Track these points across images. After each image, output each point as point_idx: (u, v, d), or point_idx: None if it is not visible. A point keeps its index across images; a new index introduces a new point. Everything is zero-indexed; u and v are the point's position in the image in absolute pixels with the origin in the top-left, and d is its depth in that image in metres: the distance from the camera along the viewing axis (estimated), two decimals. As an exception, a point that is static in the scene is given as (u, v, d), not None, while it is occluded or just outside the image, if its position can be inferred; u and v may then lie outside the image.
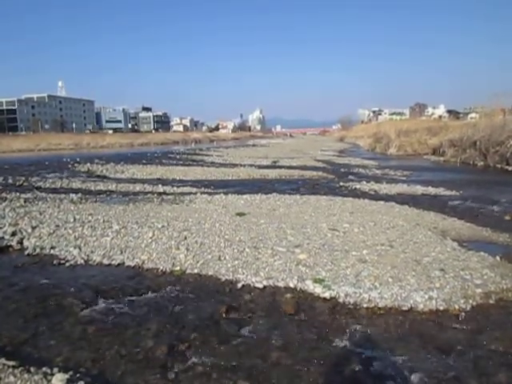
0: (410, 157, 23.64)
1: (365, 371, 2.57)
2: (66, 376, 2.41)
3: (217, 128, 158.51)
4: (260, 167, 16.56)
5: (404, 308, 3.40)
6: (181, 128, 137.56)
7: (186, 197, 8.74)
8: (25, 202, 7.95)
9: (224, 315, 3.31)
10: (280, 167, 16.60)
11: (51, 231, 5.64)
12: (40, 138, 52.23)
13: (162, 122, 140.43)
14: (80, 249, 4.95)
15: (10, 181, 12.29)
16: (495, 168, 15.78)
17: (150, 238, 5.26)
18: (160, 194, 9.45)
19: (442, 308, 3.38)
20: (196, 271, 4.24)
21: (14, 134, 70.11)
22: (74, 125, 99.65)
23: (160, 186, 10.88)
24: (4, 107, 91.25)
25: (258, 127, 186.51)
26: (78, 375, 2.45)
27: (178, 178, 13.09)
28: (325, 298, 3.59)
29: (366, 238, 5.22)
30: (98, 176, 14.11)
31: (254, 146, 43.51)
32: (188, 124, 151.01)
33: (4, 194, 8.87)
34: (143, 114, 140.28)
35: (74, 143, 48.86)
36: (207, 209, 7.34)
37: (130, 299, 3.64)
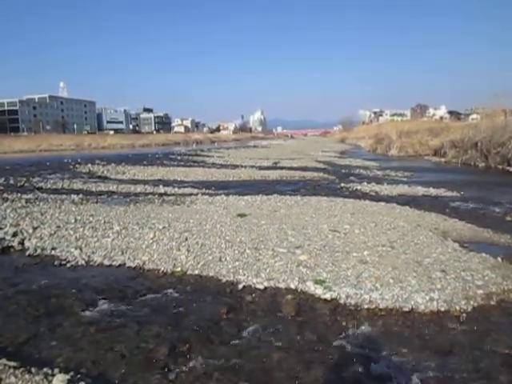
0: (411, 158, 23.62)
1: (366, 372, 2.57)
2: (67, 377, 2.41)
3: (218, 129, 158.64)
4: (261, 168, 16.57)
5: (405, 309, 3.39)
6: (182, 129, 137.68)
7: (186, 198, 8.74)
8: (26, 202, 7.97)
9: (225, 316, 3.31)
10: (281, 168, 16.61)
11: (52, 232, 5.65)
12: (41, 138, 52.37)
13: (163, 123, 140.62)
14: (81, 250, 4.96)
15: (12, 181, 12.33)
16: (496, 169, 15.76)
17: (151, 238, 5.26)
18: (161, 195, 9.46)
19: (443, 309, 3.38)
20: (197, 272, 4.24)
21: (16, 134, 70.32)
22: (75, 126, 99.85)
23: (161, 186, 10.89)
24: (5, 108, 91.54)
25: (259, 128, 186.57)
26: (78, 376, 2.45)
27: (179, 179, 13.11)
28: (326, 300, 3.59)
29: (367, 239, 5.22)
30: (99, 177, 14.13)
31: (254, 147, 43.51)
32: (189, 125, 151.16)
33: (5, 195, 8.89)
34: (144, 115, 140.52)
35: (75, 144, 48.97)
36: (208, 210, 7.34)
37: (131, 300, 3.64)
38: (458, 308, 3.38)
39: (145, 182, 12.04)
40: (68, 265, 4.56)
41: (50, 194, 9.50)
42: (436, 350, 2.82)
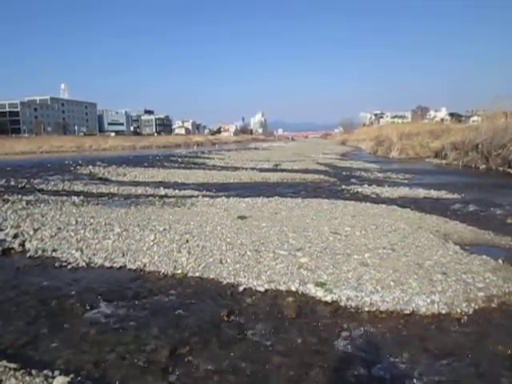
0: (412, 160, 23.61)
1: (367, 375, 2.56)
2: (67, 379, 2.41)
3: (219, 131, 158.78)
4: (262, 170, 16.57)
5: (406, 312, 3.38)
6: (183, 131, 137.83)
7: (187, 200, 8.74)
8: (27, 204, 7.96)
9: (225, 319, 3.31)
10: (282, 170, 16.61)
11: (53, 233, 5.66)
12: (42, 140, 52.51)
13: (164, 125, 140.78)
14: (82, 251, 4.95)
15: (13, 183, 12.33)
16: (497, 171, 15.75)
17: (152, 240, 5.26)
18: (162, 196, 9.46)
19: (444, 312, 3.37)
20: (197, 274, 4.24)
21: (17, 136, 70.51)
22: (76, 127, 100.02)
23: (162, 188, 10.88)
24: (7, 109, 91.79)
25: (260, 130, 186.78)
26: (79, 378, 2.45)
27: (179, 181, 13.10)
28: (326, 302, 3.59)
29: (368, 241, 5.21)
30: (100, 178, 14.13)
31: (255, 149, 43.52)
32: (190, 127, 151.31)
33: (6, 196, 8.89)
34: (145, 117, 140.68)
35: (76, 146, 49.08)
36: (209, 212, 7.34)
37: (132, 302, 3.64)
38: (459, 310, 3.37)
39: (146, 184, 12.04)
40: (69, 266, 4.56)
41: (50, 195, 9.50)
42: (437, 352, 2.81)
